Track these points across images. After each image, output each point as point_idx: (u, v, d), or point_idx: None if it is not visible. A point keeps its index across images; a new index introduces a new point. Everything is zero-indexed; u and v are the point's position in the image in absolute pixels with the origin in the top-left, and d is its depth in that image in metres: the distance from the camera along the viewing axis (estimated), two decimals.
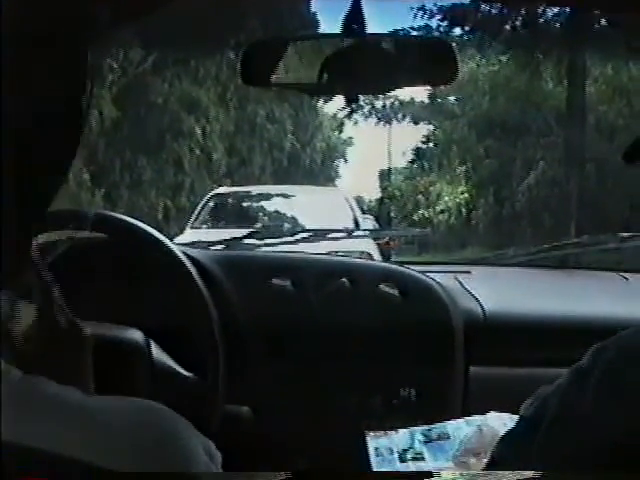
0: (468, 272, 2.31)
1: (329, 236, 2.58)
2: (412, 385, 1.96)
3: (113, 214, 1.91)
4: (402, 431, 1.55)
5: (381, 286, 1.99)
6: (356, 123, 24.69)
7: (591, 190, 15.44)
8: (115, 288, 1.91)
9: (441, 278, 2.08)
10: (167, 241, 1.90)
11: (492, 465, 0.93)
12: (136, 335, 1.79)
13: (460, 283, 2.14)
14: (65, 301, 1.86)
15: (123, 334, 1.78)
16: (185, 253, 1.90)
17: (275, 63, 1.70)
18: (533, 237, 15.29)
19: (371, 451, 1.51)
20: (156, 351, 1.80)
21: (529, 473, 0.79)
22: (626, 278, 2.35)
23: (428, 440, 1.52)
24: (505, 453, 0.92)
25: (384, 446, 1.52)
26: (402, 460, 1.49)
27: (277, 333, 1.98)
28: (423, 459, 1.49)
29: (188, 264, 1.86)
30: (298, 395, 1.99)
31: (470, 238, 18.94)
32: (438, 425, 1.55)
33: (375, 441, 1.53)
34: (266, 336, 1.98)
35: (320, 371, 1.98)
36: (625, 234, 2.51)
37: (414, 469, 1.45)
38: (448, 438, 1.52)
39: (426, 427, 1.55)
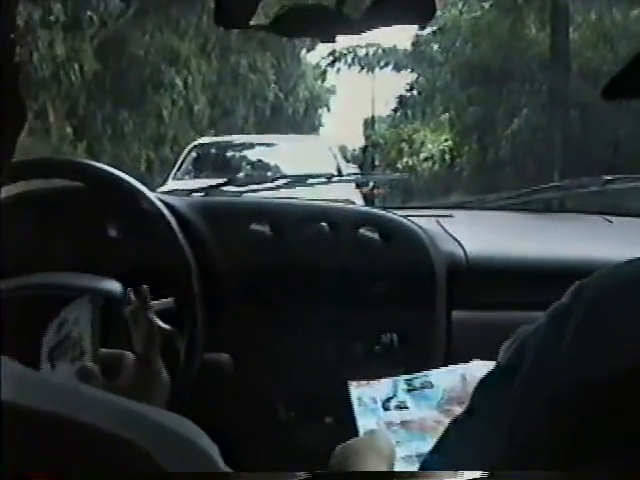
0: (450, 216, 2.29)
1: (310, 182, 2.55)
2: (394, 330, 1.95)
3: (89, 162, 1.87)
4: (384, 380, 1.54)
5: (361, 230, 1.97)
6: (339, 71, 24.42)
7: (575, 136, 15.42)
8: (92, 237, 1.88)
9: (423, 222, 2.06)
10: (144, 188, 1.86)
11: (470, 412, 0.91)
12: (114, 286, 1.75)
13: (442, 227, 2.12)
14: (42, 251, 1.83)
15: (101, 284, 1.75)
16: (162, 200, 1.87)
17: (250, 4, 1.66)
18: (517, 183, 15.29)
19: (354, 400, 1.50)
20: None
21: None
22: (610, 221, 2.33)
23: (412, 389, 1.51)
24: (483, 399, 0.90)
25: (367, 395, 1.50)
26: (385, 409, 1.48)
27: (256, 279, 1.96)
28: (407, 407, 1.47)
29: (165, 211, 1.83)
30: (278, 341, 1.98)
31: (454, 185, 18.93)
32: (421, 374, 1.54)
33: (358, 391, 1.52)
34: (245, 282, 1.96)
35: (300, 317, 1.96)
36: (608, 177, 2.49)
37: (398, 417, 1.44)
38: (432, 387, 1.51)
39: (408, 376, 1.54)
